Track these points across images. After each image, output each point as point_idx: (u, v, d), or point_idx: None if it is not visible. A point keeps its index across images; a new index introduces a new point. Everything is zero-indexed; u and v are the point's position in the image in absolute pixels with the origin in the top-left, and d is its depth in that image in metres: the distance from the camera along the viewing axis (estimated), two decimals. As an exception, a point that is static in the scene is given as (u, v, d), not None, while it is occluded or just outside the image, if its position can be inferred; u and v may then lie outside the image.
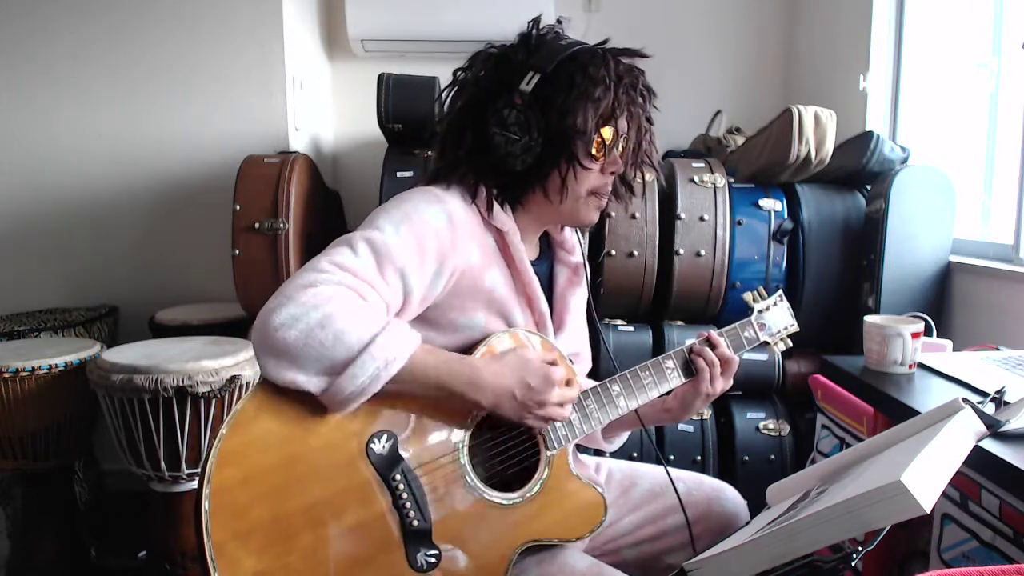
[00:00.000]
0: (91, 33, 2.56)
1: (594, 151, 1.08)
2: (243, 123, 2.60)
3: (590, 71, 1.05)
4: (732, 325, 1.27)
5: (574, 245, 1.26)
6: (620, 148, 1.11)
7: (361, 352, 0.92)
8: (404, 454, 1.00)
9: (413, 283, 1.01)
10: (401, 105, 2.35)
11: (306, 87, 2.79)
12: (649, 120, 1.14)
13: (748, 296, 1.31)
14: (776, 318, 1.31)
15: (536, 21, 1.12)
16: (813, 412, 1.91)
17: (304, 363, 0.92)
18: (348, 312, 0.93)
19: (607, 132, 1.08)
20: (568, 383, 1.08)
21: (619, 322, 2.33)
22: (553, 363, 1.06)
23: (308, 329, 0.91)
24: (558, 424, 1.10)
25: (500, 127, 1.05)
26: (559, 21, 1.13)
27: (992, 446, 1.01)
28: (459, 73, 1.13)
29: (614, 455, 1.42)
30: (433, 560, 0.99)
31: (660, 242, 2.25)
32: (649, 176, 2.26)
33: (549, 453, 1.11)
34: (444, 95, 1.15)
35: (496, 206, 1.10)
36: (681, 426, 2.22)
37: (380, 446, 0.99)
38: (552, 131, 1.05)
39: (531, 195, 1.12)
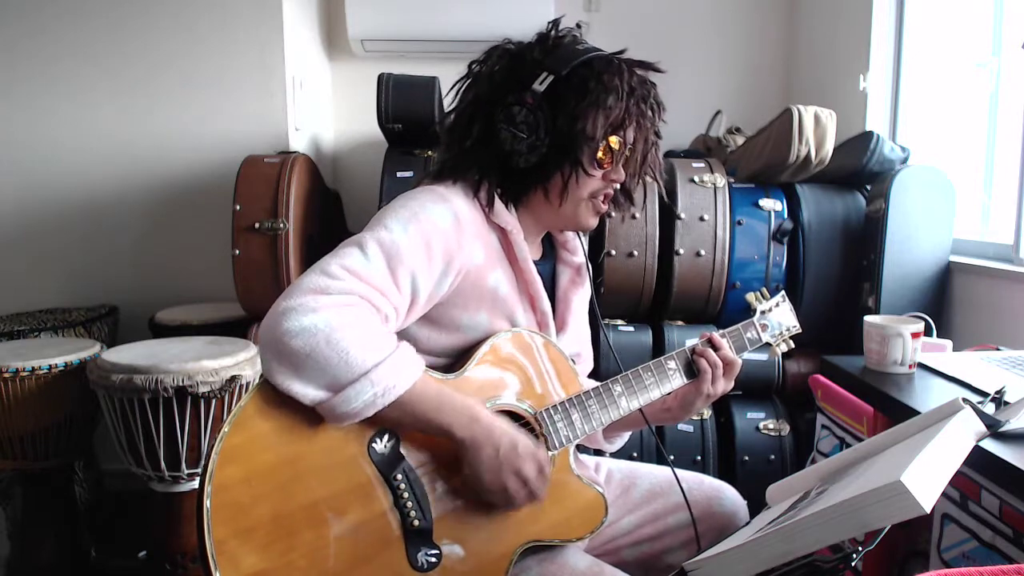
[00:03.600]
0: (91, 33, 2.56)
1: (599, 158, 1.08)
2: (243, 123, 2.60)
3: (604, 79, 1.05)
4: (735, 326, 1.27)
5: (576, 246, 1.26)
6: (625, 158, 1.12)
7: (362, 376, 0.92)
8: (406, 454, 1.00)
9: (421, 283, 1.01)
10: (401, 105, 2.35)
11: (306, 87, 2.80)
12: (657, 134, 1.14)
13: (751, 296, 1.31)
14: (779, 319, 1.32)
15: (556, 22, 1.12)
16: (813, 412, 1.92)
17: (304, 374, 0.92)
18: (357, 331, 0.93)
19: (614, 141, 1.09)
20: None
21: (619, 322, 2.33)
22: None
23: (315, 343, 0.90)
24: (559, 424, 1.10)
25: (508, 123, 1.05)
26: (578, 25, 1.13)
27: (992, 446, 1.01)
28: (474, 66, 1.13)
29: (614, 455, 1.42)
30: (434, 560, 1.00)
31: (660, 242, 2.25)
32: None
33: (550, 454, 1.11)
34: (457, 87, 1.14)
35: (499, 204, 1.10)
36: (681, 426, 2.22)
37: (382, 445, 0.99)
38: (560, 134, 1.05)
39: (532, 195, 1.12)
